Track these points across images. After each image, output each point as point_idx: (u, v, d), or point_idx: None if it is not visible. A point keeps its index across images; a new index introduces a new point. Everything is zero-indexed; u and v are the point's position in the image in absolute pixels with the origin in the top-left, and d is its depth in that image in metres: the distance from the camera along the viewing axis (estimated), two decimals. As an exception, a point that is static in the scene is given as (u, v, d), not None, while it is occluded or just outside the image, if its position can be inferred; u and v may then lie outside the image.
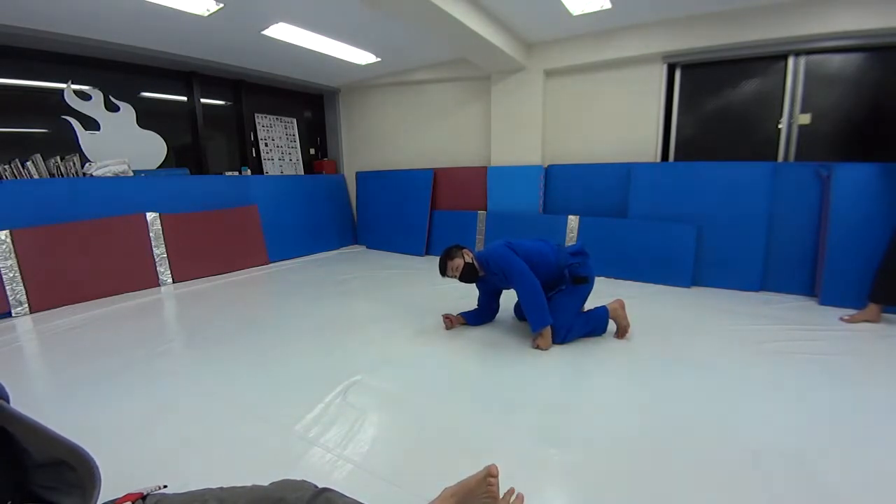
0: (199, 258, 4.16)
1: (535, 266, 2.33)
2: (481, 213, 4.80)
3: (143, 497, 0.81)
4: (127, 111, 4.17)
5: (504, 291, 2.69)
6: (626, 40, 3.89)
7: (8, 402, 0.73)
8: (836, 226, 2.98)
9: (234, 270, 4.41)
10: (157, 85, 4.51)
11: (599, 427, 1.61)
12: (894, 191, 2.80)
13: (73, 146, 3.83)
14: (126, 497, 0.79)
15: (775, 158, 3.62)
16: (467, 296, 2.86)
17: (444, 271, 2.49)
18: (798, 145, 3.55)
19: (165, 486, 0.86)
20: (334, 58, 4.51)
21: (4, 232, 3.11)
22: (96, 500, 0.70)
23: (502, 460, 1.18)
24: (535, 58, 4.36)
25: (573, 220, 4.14)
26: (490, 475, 1.11)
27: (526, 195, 4.51)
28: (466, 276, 2.45)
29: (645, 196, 3.82)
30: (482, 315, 2.71)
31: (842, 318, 2.68)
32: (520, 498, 1.14)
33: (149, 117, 4.32)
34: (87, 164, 3.81)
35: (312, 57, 4.45)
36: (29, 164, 3.46)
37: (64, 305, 3.27)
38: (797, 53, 3.44)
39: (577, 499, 1.28)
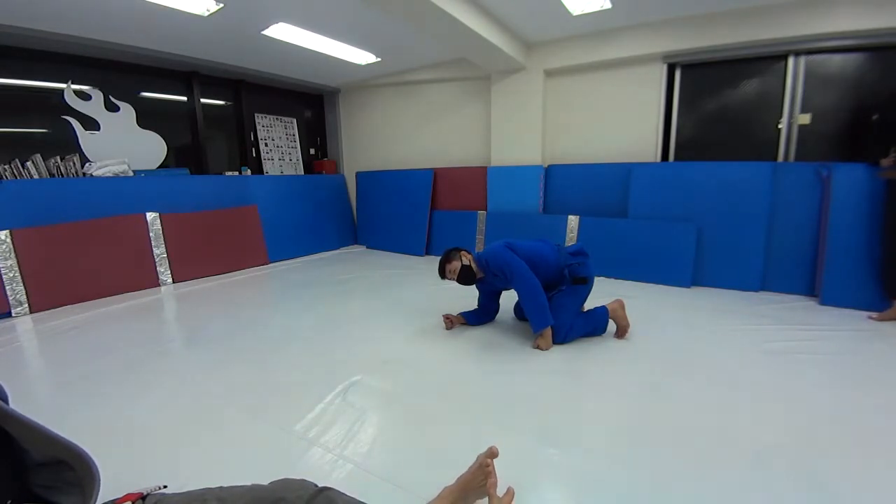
0: (199, 258, 4.16)
1: (535, 266, 2.33)
2: (481, 213, 4.80)
3: (143, 497, 0.81)
4: (127, 111, 4.16)
5: (504, 292, 2.69)
6: (626, 40, 3.89)
7: (7, 402, 0.73)
8: (836, 226, 2.98)
9: (234, 270, 4.41)
10: (157, 85, 4.51)
11: (599, 427, 1.61)
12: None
13: (73, 146, 3.83)
14: (126, 497, 0.79)
15: (775, 158, 3.62)
16: (467, 296, 2.86)
17: (443, 274, 2.50)
18: (798, 145, 3.55)
19: (165, 487, 0.86)
20: (334, 58, 4.51)
21: (4, 232, 3.11)
22: (96, 500, 0.70)
23: (502, 460, 1.18)
24: (535, 58, 4.36)
25: (573, 220, 4.14)
26: (491, 455, 1.15)
27: (526, 195, 4.51)
28: (464, 278, 2.45)
29: (645, 196, 3.82)
30: (482, 315, 2.71)
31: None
32: (510, 492, 1.14)
33: (149, 117, 4.32)
34: (87, 164, 3.81)
35: (312, 57, 4.45)
36: (29, 164, 3.45)
37: (64, 305, 3.27)
38: (797, 53, 3.44)
39: (577, 499, 1.28)
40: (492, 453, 1.15)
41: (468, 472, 1.15)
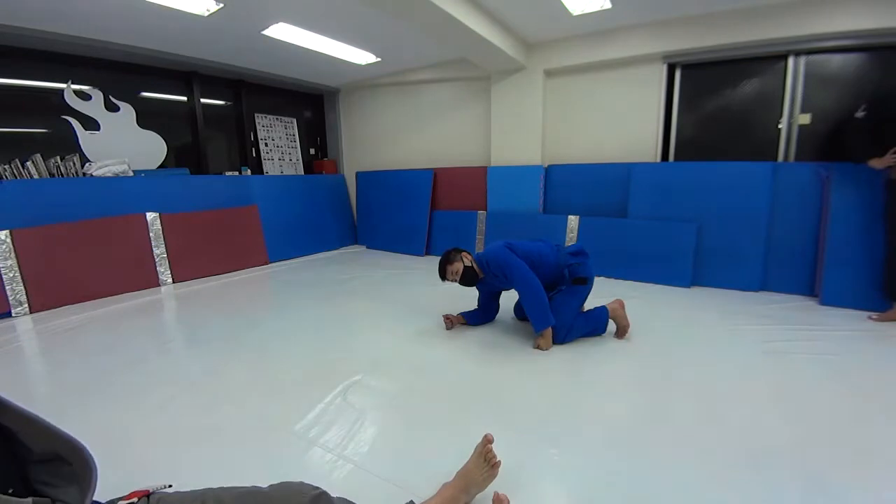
0: (199, 258, 4.16)
1: (535, 266, 2.33)
2: (481, 213, 4.80)
3: (148, 495, 0.81)
4: (127, 111, 4.16)
5: (504, 292, 2.69)
6: (626, 40, 3.89)
7: None
8: (836, 226, 2.98)
9: (234, 270, 4.41)
10: (157, 85, 4.51)
11: (599, 427, 1.61)
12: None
13: (73, 146, 3.82)
14: (132, 494, 0.80)
15: (775, 158, 3.61)
16: (467, 296, 2.85)
17: (443, 275, 2.49)
18: (798, 145, 3.55)
19: (171, 486, 0.86)
20: (334, 58, 4.51)
21: (4, 232, 3.10)
22: (93, 492, 0.70)
23: (502, 460, 1.19)
24: (535, 58, 4.36)
25: (573, 220, 4.14)
26: (487, 441, 1.19)
27: (526, 195, 4.51)
28: (466, 279, 2.45)
29: (645, 196, 3.82)
30: (482, 315, 2.71)
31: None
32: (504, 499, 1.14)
33: (149, 117, 4.32)
34: (87, 164, 3.81)
35: (312, 57, 4.45)
36: (29, 164, 3.45)
37: (64, 305, 3.27)
38: (797, 53, 3.44)
39: (578, 499, 1.28)
40: (487, 440, 1.19)
41: (469, 463, 1.16)
